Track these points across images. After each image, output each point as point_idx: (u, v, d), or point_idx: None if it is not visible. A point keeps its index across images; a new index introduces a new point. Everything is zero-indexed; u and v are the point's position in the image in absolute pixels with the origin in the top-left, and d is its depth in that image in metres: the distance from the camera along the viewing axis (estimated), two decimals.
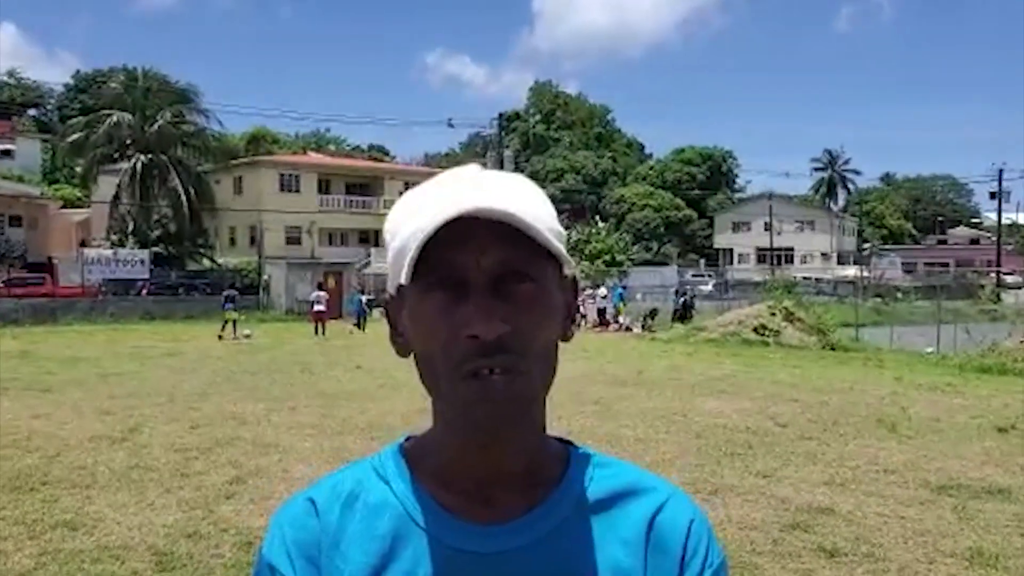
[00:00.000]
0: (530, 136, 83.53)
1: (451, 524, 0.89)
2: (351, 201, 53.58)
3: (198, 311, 30.44)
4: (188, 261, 40.28)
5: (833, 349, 22.24)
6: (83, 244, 39.11)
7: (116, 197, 38.91)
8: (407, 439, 0.99)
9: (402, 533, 0.89)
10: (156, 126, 39.19)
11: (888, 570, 5.35)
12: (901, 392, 13.61)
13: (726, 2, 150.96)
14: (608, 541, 0.90)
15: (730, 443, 9.27)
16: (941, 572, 5.34)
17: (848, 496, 7.09)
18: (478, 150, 76.09)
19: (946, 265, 64.20)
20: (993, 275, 47.97)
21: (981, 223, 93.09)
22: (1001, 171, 59.05)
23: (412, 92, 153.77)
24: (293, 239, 49.59)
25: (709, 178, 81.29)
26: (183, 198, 39.11)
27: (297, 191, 51.77)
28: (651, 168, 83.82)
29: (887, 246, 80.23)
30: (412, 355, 0.91)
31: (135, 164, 38.79)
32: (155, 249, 37.25)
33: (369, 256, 45.45)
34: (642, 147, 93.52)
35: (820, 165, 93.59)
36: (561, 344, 0.91)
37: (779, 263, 64.64)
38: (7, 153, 52.84)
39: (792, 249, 73.25)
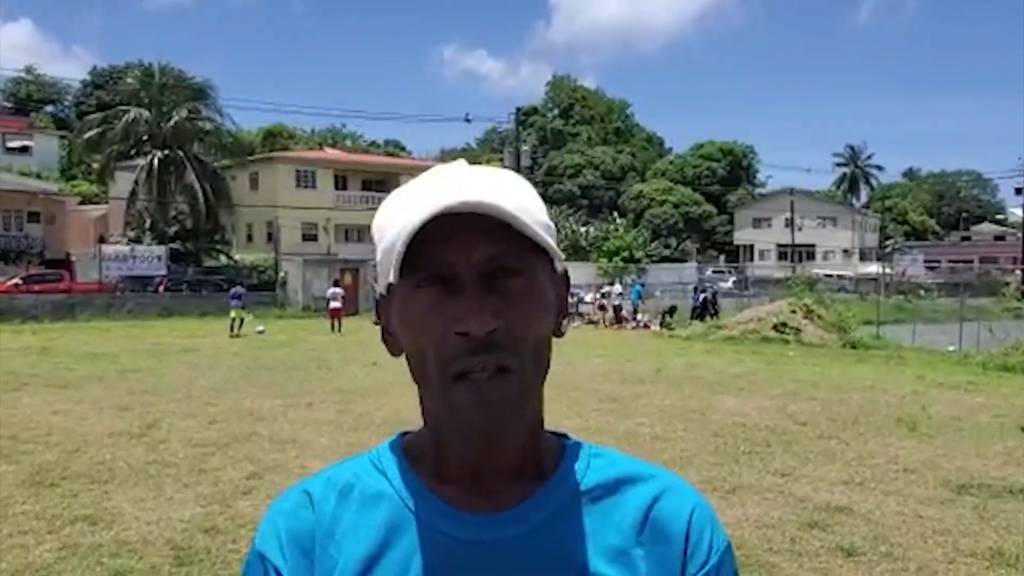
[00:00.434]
0: (547, 131, 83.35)
1: (447, 513, 0.89)
2: (367, 197, 53.64)
3: (215, 308, 30.53)
4: (205, 257, 40.43)
5: (854, 347, 22.10)
6: (101, 240, 39.33)
7: (133, 193, 39.07)
8: (404, 433, 1.00)
9: (398, 522, 0.89)
10: (172, 122, 39.33)
11: (907, 570, 5.32)
12: (922, 391, 13.52)
13: None
14: (605, 529, 0.90)
15: (748, 441, 9.23)
16: (961, 572, 5.30)
17: (867, 495, 7.05)
18: (495, 145, 76.16)
19: (970, 262, 63.58)
20: (1018, 272, 47.48)
21: (1006, 219, 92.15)
22: None
23: (429, 87, 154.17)
24: (309, 235, 49.74)
25: (729, 173, 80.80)
26: (200, 194, 39.26)
27: (313, 187, 51.92)
28: (670, 163, 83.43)
29: (910, 243, 79.59)
30: (403, 354, 0.91)
31: (152, 160, 38.96)
32: (172, 245, 37.37)
33: None
34: (661, 142, 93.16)
35: (842, 160, 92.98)
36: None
37: (800, 260, 64.30)
38: (25, 150, 53.27)
39: (813, 245, 72.76)
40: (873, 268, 56.98)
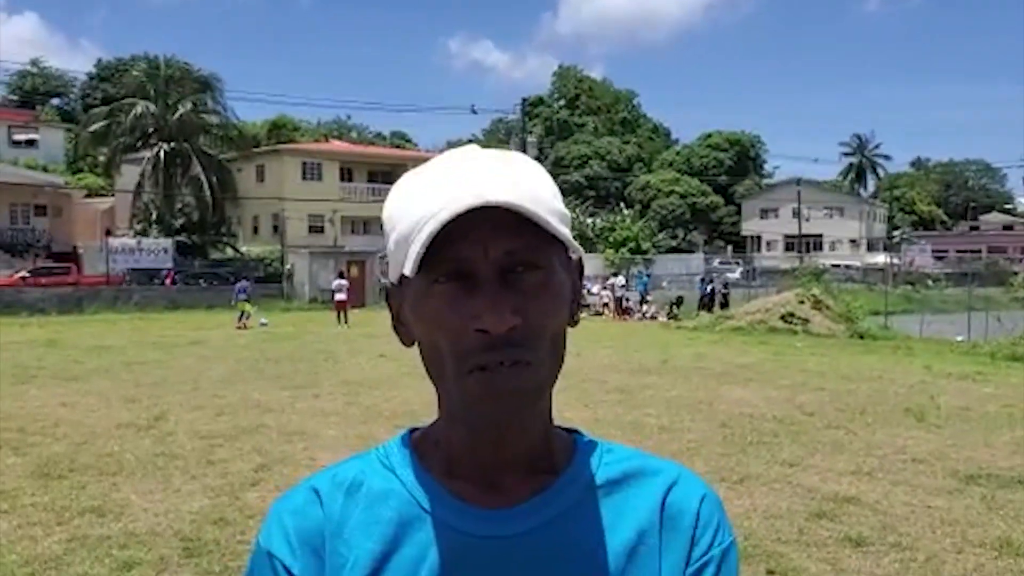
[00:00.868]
0: (554, 122, 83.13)
1: (459, 509, 0.88)
2: (373, 189, 53.61)
3: (222, 300, 30.59)
4: (211, 250, 40.52)
5: (862, 337, 22.06)
6: (107, 233, 39.44)
7: (139, 186, 39.15)
8: (412, 430, 0.98)
9: (408, 519, 0.88)
10: (178, 115, 39.37)
11: (915, 559, 5.31)
12: (930, 381, 13.48)
13: None
14: (619, 523, 0.89)
15: (756, 432, 9.22)
16: (969, 562, 5.28)
17: (875, 485, 7.04)
18: (501, 136, 75.96)
19: (978, 252, 63.49)
20: None
21: (1015, 209, 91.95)
22: None
23: (435, 78, 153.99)
24: (316, 228, 49.78)
25: (736, 164, 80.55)
26: (206, 187, 39.33)
27: (319, 179, 51.91)
28: (677, 154, 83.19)
29: (918, 233, 79.41)
30: (416, 344, 0.90)
31: (158, 153, 39.02)
32: (178, 238, 37.50)
33: None
34: (668, 132, 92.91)
35: (849, 150, 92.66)
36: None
37: (807, 250, 64.14)
38: (31, 143, 53.44)
39: (821, 236, 72.60)
40: (881, 258, 56.91)
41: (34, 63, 70.74)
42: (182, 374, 13.75)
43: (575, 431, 0.98)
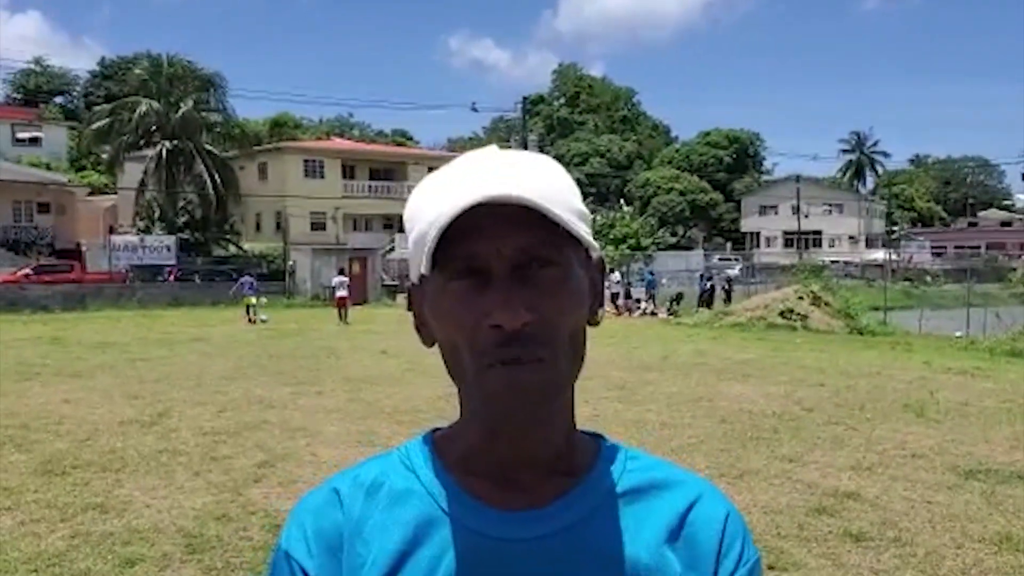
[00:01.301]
0: (554, 120, 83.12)
1: (479, 511, 0.88)
2: (375, 187, 53.67)
3: (225, 297, 30.63)
4: (214, 247, 40.52)
5: (861, 333, 22.08)
6: (111, 231, 39.47)
7: (142, 184, 39.16)
8: (434, 431, 0.98)
9: (428, 519, 0.88)
10: (181, 113, 39.37)
11: (915, 555, 5.33)
12: (929, 376, 13.50)
13: None
14: (640, 531, 0.89)
15: (756, 428, 9.24)
16: (969, 557, 5.31)
17: (875, 481, 7.06)
18: (502, 134, 75.89)
19: (976, 248, 63.39)
20: None
21: (1013, 205, 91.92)
22: None
23: (435, 76, 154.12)
24: (318, 225, 49.81)
25: (735, 161, 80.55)
26: (208, 184, 39.33)
27: (321, 177, 51.91)
28: (677, 151, 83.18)
29: (916, 229, 79.45)
30: (437, 344, 0.90)
31: (160, 151, 39.01)
32: (181, 235, 37.51)
33: (393, 241, 45.57)
34: (668, 130, 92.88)
35: (848, 147, 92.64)
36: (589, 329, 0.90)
37: (807, 247, 64.20)
38: (34, 141, 53.44)
39: (820, 232, 72.64)
40: (879, 255, 56.79)
41: (37, 61, 70.79)
42: (185, 371, 13.77)
43: (599, 435, 0.98)
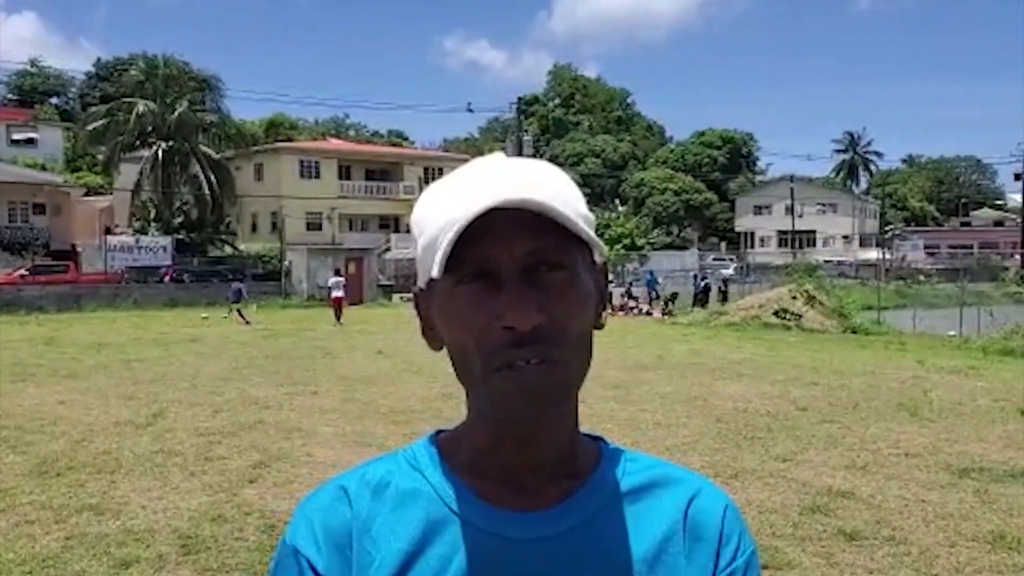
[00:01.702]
0: (549, 120, 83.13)
1: (487, 511, 0.89)
2: (371, 187, 53.66)
3: (221, 298, 30.58)
4: (210, 248, 40.46)
5: (855, 332, 22.14)
6: (106, 231, 39.38)
7: (138, 184, 39.09)
8: (439, 432, 0.99)
9: (436, 519, 0.89)
10: (176, 114, 39.32)
11: (909, 553, 5.35)
12: (923, 375, 13.54)
13: None
14: (643, 530, 0.90)
15: (750, 427, 9.27)
16: (962, 555, 5.33)
17: (869, 479, 7.08)
18: (497, 135, 75.98)
19: (970, 247, 63.60)
20: (1017, 257, 47.50)
21: (1005, 205, 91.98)
22: None
23: (431, 77, 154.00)
24: (314, 225, 49.78)
25: (730, 161, 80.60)
26: (204, 185, 39.29)
27: (317, 177, 51.89)
28: (671, 151, 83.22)
29: (910, 228, 79.55)
30: (444, 348, 0.90)
31: (156, 151, 38.95)
32: (177, 236, 37.46)
33: (389, 241, 45.57)
34: (662, 130, 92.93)
35: (842, 147, 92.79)
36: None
37: (801, 246, 64.30)
38: (30, 141, 53.31)
39: (814, 232, 72.72)
40: (873, 254, 56.96)
41: (32, 62, 70.61)
42: (180, 371, 13.76)
43: (599, 438, 0.99)
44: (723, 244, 68.56)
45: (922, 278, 36.05)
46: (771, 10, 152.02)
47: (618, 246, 44.49)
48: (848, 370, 14.12)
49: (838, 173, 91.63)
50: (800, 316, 23.21)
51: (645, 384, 12.49)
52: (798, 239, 66.74)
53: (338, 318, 25.03)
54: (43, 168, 47.61)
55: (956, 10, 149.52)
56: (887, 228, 77.17)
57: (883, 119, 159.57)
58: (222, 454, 7.93)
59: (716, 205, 76.70)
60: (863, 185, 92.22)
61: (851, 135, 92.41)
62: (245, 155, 48.17)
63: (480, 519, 0.89)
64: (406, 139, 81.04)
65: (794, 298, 24.04)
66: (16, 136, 53.29)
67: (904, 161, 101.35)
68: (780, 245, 69.36)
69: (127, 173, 40.09)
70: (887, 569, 5.13)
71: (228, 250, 40.92)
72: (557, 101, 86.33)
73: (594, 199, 66.98)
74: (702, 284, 32.49)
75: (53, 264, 34.60)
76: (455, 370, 0.88)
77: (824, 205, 75.54)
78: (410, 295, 0.96)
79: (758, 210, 76.53)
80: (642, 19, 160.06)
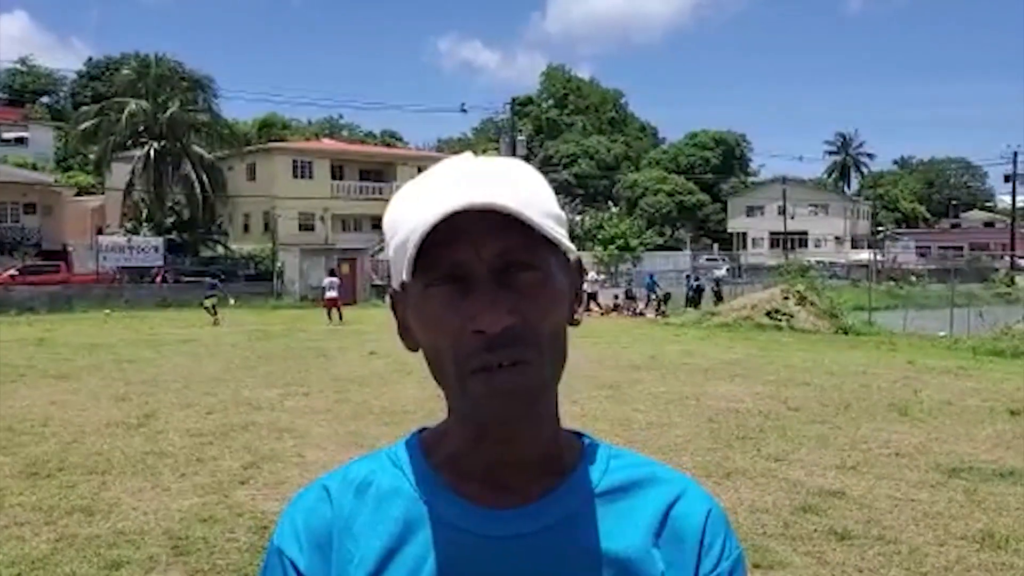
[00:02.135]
0: (543, 121, 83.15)
1: (465, 509, 0.89)
2: (364, 187, 53.62)
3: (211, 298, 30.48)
4: (202, 248, 40.37)
5: (846, 333, 22.17)
6: (98, 231, 39.26)
7: (130, 184, 38.97)
8: (422, 430, 0.99)
9: (414, 517, 0.90)
10: (168, 113, 39.21)
11: (899, 552, 5.37)
12: (914, 375, 13.57)
13: None
14: (623, 529, 0.90)
15: (742, 427, 9.28)
16: (952, 555, 5.35)
17: (859, 479, 7.10)
18: (491, 135, 75.89)
19: (960, 249, 63.76)
20: (1007, 258, 47.67)
21: (995, 206, 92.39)
22: (1016, 153, 58.55)
23: (424, 78, 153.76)
24: (306, 225, 49.68)
25: (722, 162, 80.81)
26: (196, 185, 39.16)
27: (310, 177, 51.83)
28: (664, 152, 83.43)
29: (901, 230, 79.85)
30: (419, 350, 0.91)
31: (148, 151, 38.82)
32: (169, 236, 37.35)
33: (382, 242, 45.17)
34: (655, 131, 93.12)
35: (833, 148, 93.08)
36: (569, 329, 0.92)
37: (793, 247, 64.37)
38: (20, 141, 53.16)
39: (806, 233, 72.91)
40: (864, 255, 56.98)
41: (23, 61, 70.42)
42: (172, 372, 13.72)
43: (580, 433, 0.99)
44: (715, 245, 68.67)
45: (913, 279, 36.11)
46: (764, 12, 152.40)
47: (611, 247, 44.57)
48: (839, 370, 14.15)
49: (830, 174, 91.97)
50: (792, 317, 23.24)
51: (638, 384, 12.50)
52: (790, 240, 66.87)
53: (330, 317, 25.07)
54: (34, 168, 47.46)
55: (947, 12, 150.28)
56: (878, 229, 77.48)
57: (875, 121, 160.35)
58: (214, 455, 7.91)
59: (709, 206, 76.88)
60: (855, 186, 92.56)
61: (843, 136, 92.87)
62: (238, 155, 48.03)
63: (457, 517, 0.89)
64: (400, 139, 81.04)
65: (786, 299, 24.07)
66: (6, 135, 53.13)
67: (896, 163, 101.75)
68: (772, 246, 69.47)
69: (118, 173, 39.96)
70: (877, 568, 5.15)
71: (220, 250, 40.80)
72: (551, 102, 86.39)
73: (587, 200, 67.22)
74: (694, 285, 32.54)
75: (44, 264, 34.47)
76: (431, 371, 0.89)
77: (816, 206, 75.77)
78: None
79: (750, 211, 76.72)
80: (636, 20, 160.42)
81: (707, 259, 53.58)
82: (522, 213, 0.80)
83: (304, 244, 40.51)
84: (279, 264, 36.31)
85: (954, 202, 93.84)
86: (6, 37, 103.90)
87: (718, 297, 31.28)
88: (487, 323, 0.81)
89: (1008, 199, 66.45)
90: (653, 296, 31.56)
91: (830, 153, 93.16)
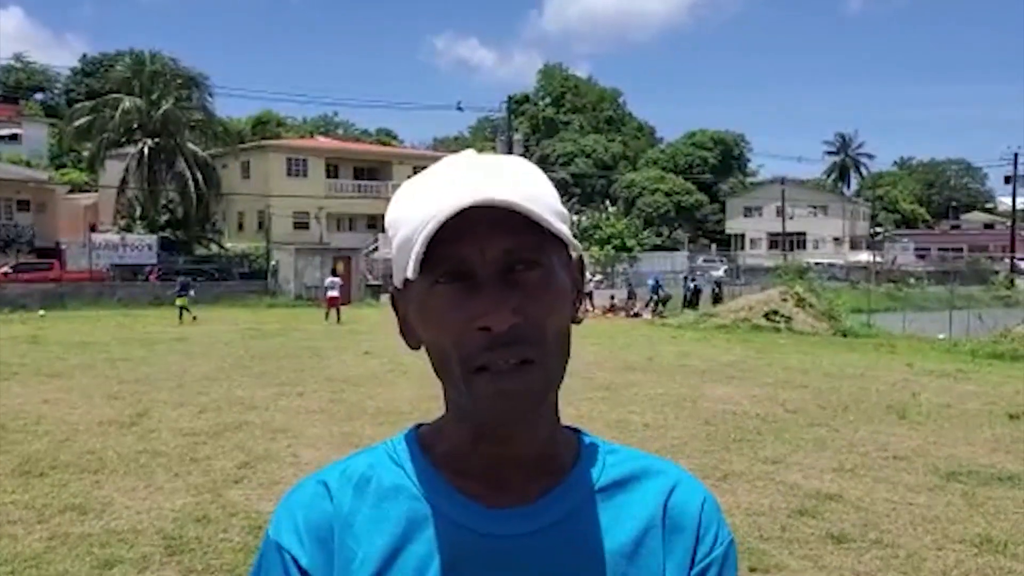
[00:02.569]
0: (540, 120, 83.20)
1: (467, 507, 0.89)
2: (359, 186, 53.59)
3: (208, 297, 30.44)
4: (196, 246, 40.30)
5: (844, 335, 22.19)
6: (91, 229, 39.15)
7: (124, 182, 38.89)
8: (419, 426, 0.99)
9: (417, 515, 0.89)
10: (162, 110, 39.15)
11: (896, 556, 5.34)
12: (912, 378, 13.57)
13: None
14: (622, 523, 0.91)
15: (739, 429, 9.26)
16: (950, 558, 5.32)
17: (857, 482, 7.08)
18: (487, 134, 75.99)
19: (960, 250, 63.92)
20: (1007, 261, 47.69)
21: (995, 208, 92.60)
22: (1016, 155, 58.46)
23: (421, 76, 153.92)
24: (301, 224, 49.67)
25: (721, 162, 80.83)
26: (190, 183, 39.08)
27: (305, 175, 51.80)
28: (662, 152, 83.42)
29: (900, 231, 79.93)
30: (422, 347, 0.91)
31: (142, 149, 38.78)
32: (163, 234, 37.27)
33: (377, 241, 45.48)
34: (653, 131, 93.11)
35: (833, 149, 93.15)
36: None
37: (791, 248, 64.43)
38: (14, 138, 53.04)
39: (804, 234, 72.98)
40: (864, 256, 57.18)
41: (17, 57, 70.26)
42: (166, 371, 13.67)
43: (577, 430, 0.99)
44: (713, 246, 68.73)
45: (912, 281, 36.19)
46: (763, 11, 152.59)
47: (608, 247, 44.56)
48: (838, 373, 14.15)
49: (829, 175, 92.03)
50: (790, 318, 23.26)
51: (634, 386, 12.47)
52: (789, 241, 66.92)
53: (327, 316, 25.09)
54: (27, 164, 47.35)
55: (947, 13, 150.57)
56: (878, 230, 77.56)
57: (875, 121, 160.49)
58: (207, 454, 7.87)
59: (707, 206, 76.88)
60: (854, 187, 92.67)
61: (842, 137, 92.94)
62: (232, 153, 47.98)
63: (461, 515, 0.89)
64: (395, 138, 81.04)
65: (784, 300, 24.09)
66: (0, 132, 52.98)
67: (895, 164, 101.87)
68: (771, 247, 69.57)
69: (112, 170, 39.87)
70: (874, 572, 5.12)
71: (214, 248, 40.77)
72: (548, 100, 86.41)
73: (584, 199, 67.24)
74: (692, 286, 32.51)
75: (37, 262, 34.39)
76: (434, 368, 0.89)
77: (815, 207, 75.80)
78: None
79: (749, 212, 76.75)
80: (633, 19, 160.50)
81: (705, 260, 53.62)
82: (530, 210, 0.80)
83: (298, 243, 40.49)
84: (273, 263, 36.26)
85: (954, 203, 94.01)
86: (1, 33, 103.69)
87: (718, 298, 31.30)
88: (493, 321, 0.81)
89: (1008, 201, 66.52)
90: (655, 297, 31.55)
91: (829, 154, 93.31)
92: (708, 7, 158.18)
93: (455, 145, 76.06)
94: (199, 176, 39.45)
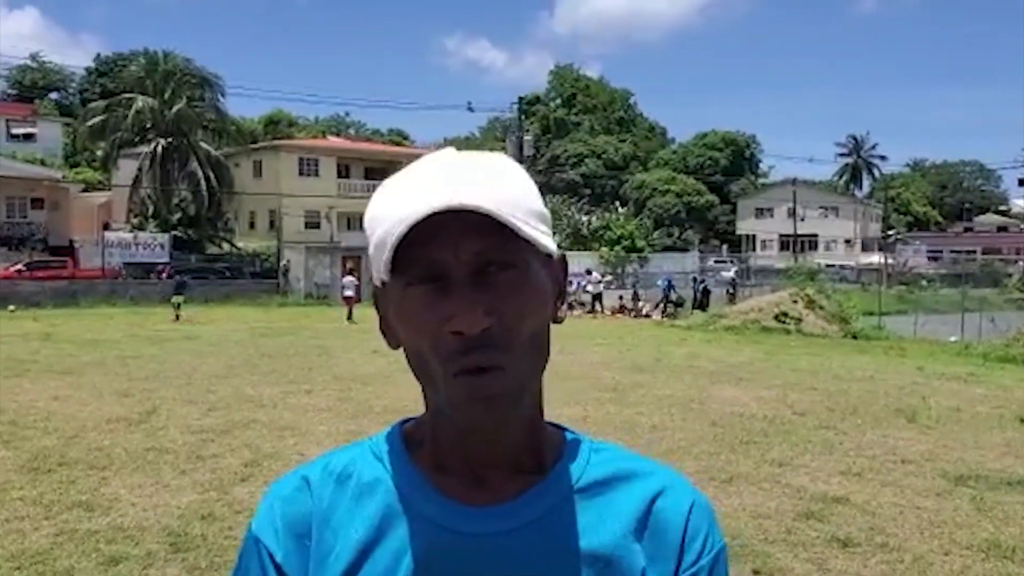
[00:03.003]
0: (550, 120, 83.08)
1: (443, 505, 0.89)
2: (370, 185, 53.45)
3: (218, 295, 30.55)
4: (208, 245, 40.46)
5: (855, 337, 22.09)
6: (104, 227, 39.32)
7: (136, 180, 39.11)
8: (405, 421, 0.99)
9: (393, 511, 0.89)
10: (175, 110, 39.30)
11: (902, 561, 5.31)
12: (922, 381, 13.50)
13: None
14: (604, 524, 0.90)
15: (746, 431, 9.23)
16: (956, 564, 5.29)
17: (864, 486, 7.04)
18: (498, 134, 75.90)
19: (972, 253, 63.55)
20: (1020, 263, 47.46)
21: (1009, 210, 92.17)
22: None
23: (432, 76, 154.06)
24: (312, 223, 49.71)
25: (732, 163, 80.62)
26: (202, 182, 39.27)
27: (316, 175, 51.86)
28: (673, 153, 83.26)
29: (912, 233, 79.53)
30: (400, 347, 0.91)
31: (155, 148, 38.97)
32: (175, 233, 37.42)
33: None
34: (664, 132, 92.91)
35: (845, 150, 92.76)
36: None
37: (802, 250, 64.23)
38: (29, 136, 53.19)
39: (816, 236, 72.74)
40: (875, 258, 56.92)
41: (33, 57, 70.61)
42: (176, 368, 13.72)
43: (564, 428, 0.98)
44: (724, 247, 68.49)
45: (924, 283, 36.01)
46: (774, 12, 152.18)
47: (618, 247, 44.44)
48: (847, 375, 14.09)
49: (841, 177, 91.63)
50: (800, 320, 23.17)
51: (642, 387, 12.45)
52: (800, 243, 66.69)
53: (349, 316, 25.18)
54: (42, 163, 47.50)
55: (961, 14, 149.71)
56: (889, 232, 77.19)
57: (887, 123, 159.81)
58: (214, 452, 7.89)
59: (718, 207, 76.69)
60: (866, 189, 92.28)
61: (855, 138, 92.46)
62: (244, 152, 48.17)
63: (436, 513, 0.89)
64: (406, 138, 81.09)
65: (795, 302, 24.01)
66: (15, 131, 53.19)
67: (908, 165, 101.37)
68: (782, 248, 69.31)
69: (125, 169, 40.07)
70: None
71: (226, 247, 40.91)
72: (558, 101, 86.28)
73: (595, 200, 67.02)
74: (701, 287, 32.41)
75: (51, 260, 34.55)
76: (411, 368, 0.88)
77: (826, 209, 75.55)
78: None
79: (760, 213, 76.52)
80: (645, 20, 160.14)
81: (716, 261, 53.43)
82: (500, 214, 0.79)
83: (309, 242, 40.53)
84: (284, 262, 36.35)
85: (967, 205, 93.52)
86: (17, 34, 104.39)
87: (732, 299, 31.27)
88: (464, 324, 0.80)
89: (1022, 203, 66.13)
90: (667, 299, 31.46)
91: (841, 155, 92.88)
92: (719, 8, 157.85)
93: (466, 145, 75.85)
94: (211, 175, 39.60)
